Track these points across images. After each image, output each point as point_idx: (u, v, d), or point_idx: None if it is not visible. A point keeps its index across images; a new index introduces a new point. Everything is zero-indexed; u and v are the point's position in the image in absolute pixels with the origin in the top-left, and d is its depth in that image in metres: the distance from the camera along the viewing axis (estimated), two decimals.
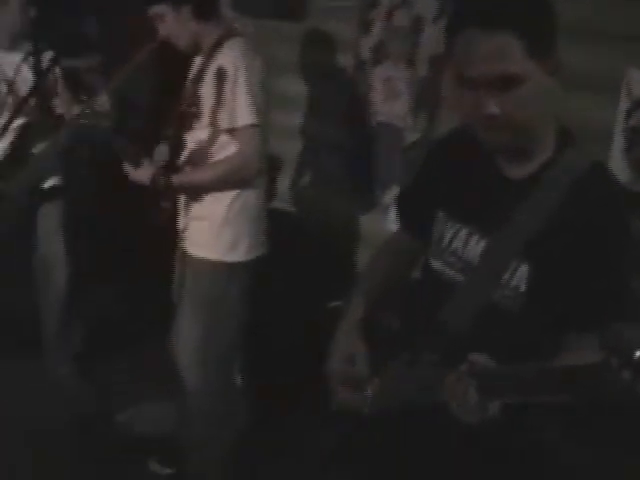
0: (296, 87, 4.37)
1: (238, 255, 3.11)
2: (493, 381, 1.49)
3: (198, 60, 3.11)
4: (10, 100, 3.77)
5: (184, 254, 3.21)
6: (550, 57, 1.58)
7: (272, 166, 4.31)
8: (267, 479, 3.43)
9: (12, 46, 3.79)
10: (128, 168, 3.11)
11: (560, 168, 1.64)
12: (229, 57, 2.97)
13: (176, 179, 3.05)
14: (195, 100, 3.05)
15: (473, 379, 1.49)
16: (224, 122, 2.98)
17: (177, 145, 3.12)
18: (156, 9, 3.02)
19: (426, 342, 1.68)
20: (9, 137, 3.76)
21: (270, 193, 4.37)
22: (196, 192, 3.09)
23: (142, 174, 3.08)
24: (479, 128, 1.64)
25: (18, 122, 3.78)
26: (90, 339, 4.14)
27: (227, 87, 2.94)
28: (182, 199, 3.17)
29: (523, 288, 1.65)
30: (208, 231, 3.09)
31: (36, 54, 3.84)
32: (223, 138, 3.03)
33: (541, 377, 1.37)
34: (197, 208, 3.11)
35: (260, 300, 3.28)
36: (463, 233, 1.77)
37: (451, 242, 1.80)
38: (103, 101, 3.54)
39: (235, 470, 3.32)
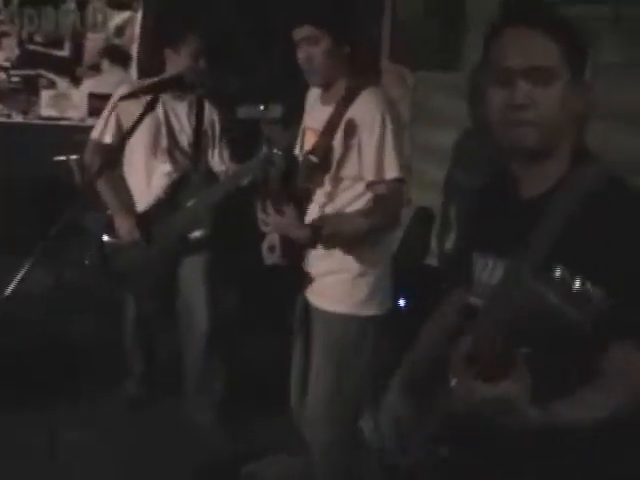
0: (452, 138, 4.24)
1: (372, 309, 2.99)
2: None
3: (326, 109, 2.96)
4: (168, 146, 3.86)
5: (308, 307, 3.12)
6: (582, 74, 1.71)
7: (424, 219, 4.19)
8: None
9: (181, 96, 3.88)
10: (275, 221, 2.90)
11: (574, 184, 1.68)
12: (371, 108, 2.84)
13: (325, 230, 2.84)
14: (326, 152, 2.90)
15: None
16: (368, 175, 2.86)
17: (303, 199, 3.00)
18: (313, 32, 2.84)
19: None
20: (164, 186, 3.86)
21: (423, 248, 4.23)
22: (332, 244, 2.95)
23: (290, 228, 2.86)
24: (506, 125, 1.70)
25: (174, 172, 3.88)
26: (230, 387, 4.12)
27: (370, 139, 2.81)
28: (309, 253, 3.05)
29: None
30: (342, 285, 2.97)
31: (199, 106, 3.94)
32: (356, 191, 2.93)
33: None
34: (329, 262, 2.99)
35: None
36: (490, 263, 1.83)
37: (481, 275, 1.86)
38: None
39: None
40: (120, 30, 6.35)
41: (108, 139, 3.85)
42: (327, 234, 2.84)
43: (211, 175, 4.01)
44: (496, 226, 1.83)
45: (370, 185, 2.87)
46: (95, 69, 6.40)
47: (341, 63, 2.90)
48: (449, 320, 2.01)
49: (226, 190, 3.70)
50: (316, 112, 3.04)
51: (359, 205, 2.93)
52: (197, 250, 3.99)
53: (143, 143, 3.83)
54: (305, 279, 3.07)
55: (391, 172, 2.83)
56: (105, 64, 6.41)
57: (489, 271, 1.82)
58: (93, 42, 6.42)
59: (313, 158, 2.93)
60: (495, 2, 3.57)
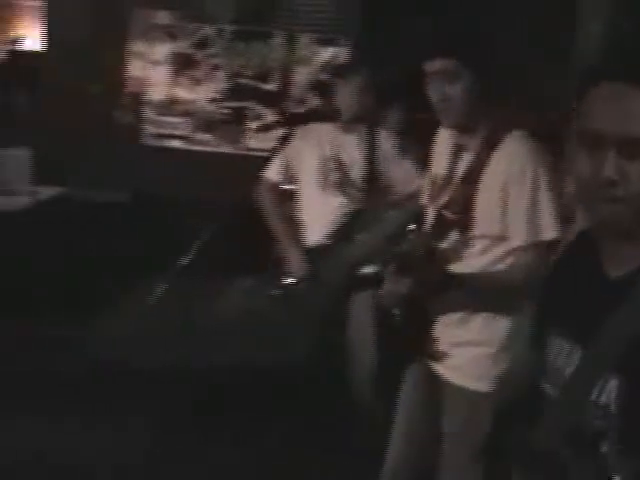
0: None
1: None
2: None
3: (464, 156, 2.59)
4: (338, 180, 3.82)
5: (433, 379, 2.69)
6: None
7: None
8: None
9: (350, 129, 3.83)
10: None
11: None
12: (519, 157, 2.49)
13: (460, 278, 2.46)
14: (466, 206, 2.54)
15: None
16: (517, 237, 2.49)
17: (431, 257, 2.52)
18: (453, 66, 2.46)
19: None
20: (336, 220, 3.81)
21: None
22: (469, 304, 2.58)
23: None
24: (592, 197, 1.40)
25: (346, 206, 3.82)
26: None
27: (520, 196, 2.47)
28: (442, 320, 2.65)
29: (613, 407, 1.38)
30: (482, 360, 2.60)
31: (371, 137, 3.87)
32: (495, 254, 2.53)
33: None
34: (465, 331, 2.62)
35: None
36: (566, 348, 1.52)
37: (556, 359, 1.55)
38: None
39: None
40: (327, 65, 6.45)
41: (275, 176, 3.88)
42: (462, 282, 2.45)
43: (385, 207, 3.91)
44: (575, 306, 1.54)
45: (519, 248, 2.50)
46: (301, 103, 6.53)
47: (482, 103, 2.52)
48: None
49: (399, 223, 3.60)
50: (448, 158, 2.66)
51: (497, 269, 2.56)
52: (368, 285, 3.90)
53: (313, 178, 3.80)
54: (430, 346, 2.68)
55: (548, 232, 2.47)
56: (311, 98, 6.53)
57: (564, 356, 1.53)
58: (300, 76, 6.57)
59: (449, 214, 2.58)
60: None
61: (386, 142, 3.87)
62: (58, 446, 3.74)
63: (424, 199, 2.76)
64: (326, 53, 6.43)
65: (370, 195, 3.85)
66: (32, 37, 6.47)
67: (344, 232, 3.79)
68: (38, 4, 6.43)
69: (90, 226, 5.68)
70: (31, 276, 5.08)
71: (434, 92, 2.49)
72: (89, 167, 6.06)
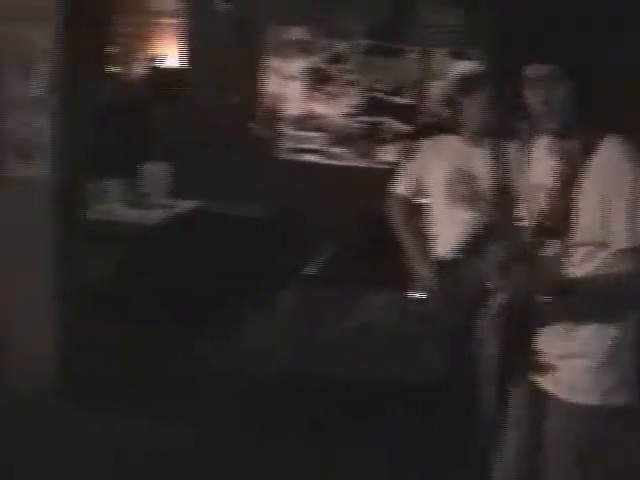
0: None
1: (622, 397, 2.56)
2: None
3: (560, 163, 2.55)
4: (467, 193, 3.77)
5: (538, 392, 2.68)
6: None
7: None
8: None
9: (476, 141, 3.79)
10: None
11: None
12: (616, 162, 2.43)
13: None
14: (565, 214, 2.49)
15: None
16: (618, 241, 2.43)
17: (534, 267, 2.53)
18: (556, 71, 2.43)
19: None
20: (465, 234, 3.76)
21: None
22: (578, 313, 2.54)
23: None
24: None
25: (475, 219, 3.77)
26: None
27: (619, 200, 2.40)
28: (546, 332, 2.63)
29: None
30: (586, 372, 2.55)
31: (499, 148, 3.80)
32: (597, 261, 2.49)
33: None
34: (570, 343, 2.57)
35: None
36: None
37: None
38: None
39: None
40: (459, 79, 6.39)
41: (405, 191, 3.88)
42: (566, 291, 2.42)
43: (516, 219, 3.83)
44: None
45: (621, 254, 2.43)
46: (434, 116, 6.49)
47: (581, 108, 2.48)
48: None
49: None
50: (545, 166, 2.63)
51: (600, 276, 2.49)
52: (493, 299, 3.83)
53: (441, 191, 3.77)
54: (535, 358, 2.67)
55: None
56: (446, 112, 6.48)
57: None
58: (434, 90, 6.53)
59: (549, 222, 2.55)
60: None
61: (514, 153, 3.80)
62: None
63: (523, 209, 2.75)
64: (459, 66, 6.38)
65: (500, 207, 3.78)
66: (172, 54, 6.65)
67: (475, 245, 3.73)
68: (177, 22, 6.63)
69: (225, 239, 5.79)
70: (166, 288, 5.21)
71: (534, 98, 2.48)
72: (226, 181, 6.21)
